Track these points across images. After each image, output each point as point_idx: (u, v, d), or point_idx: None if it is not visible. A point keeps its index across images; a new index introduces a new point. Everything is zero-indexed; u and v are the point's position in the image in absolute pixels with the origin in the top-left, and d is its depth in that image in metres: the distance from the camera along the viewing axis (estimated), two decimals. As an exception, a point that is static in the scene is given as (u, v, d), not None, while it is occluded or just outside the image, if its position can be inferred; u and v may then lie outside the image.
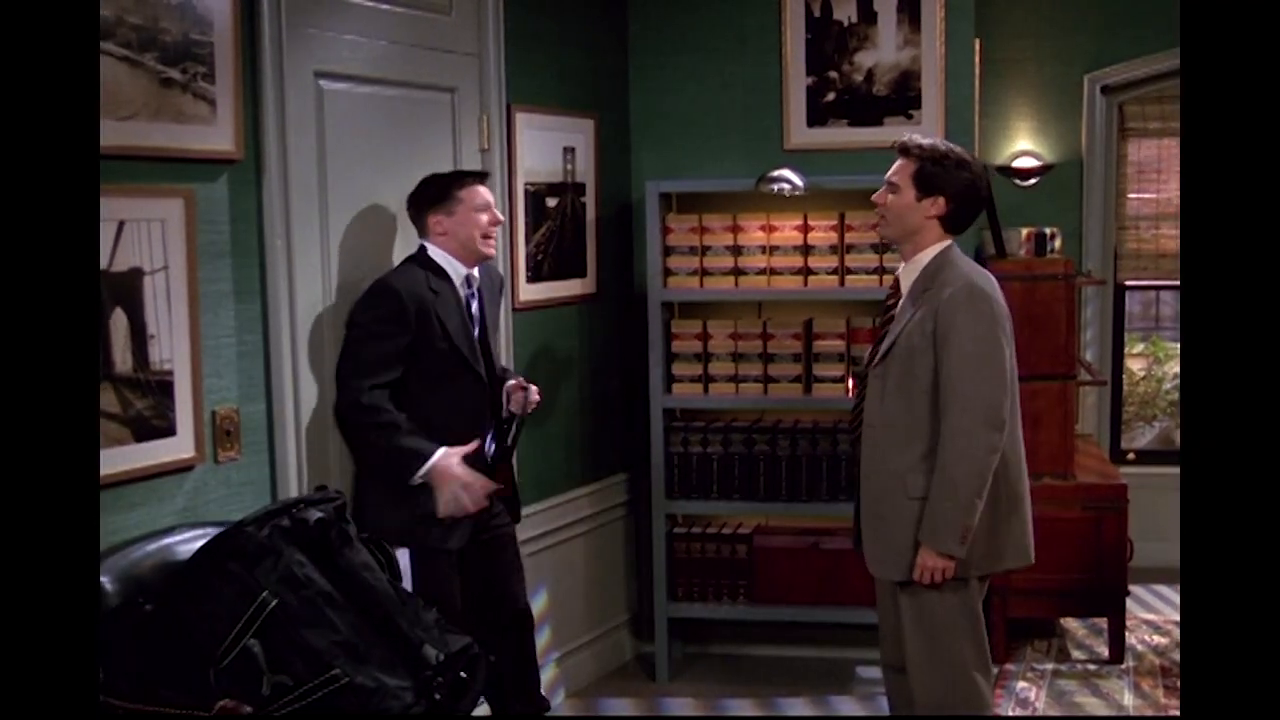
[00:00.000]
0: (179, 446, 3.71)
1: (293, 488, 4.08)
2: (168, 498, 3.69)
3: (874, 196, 4.11)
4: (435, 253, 4.33)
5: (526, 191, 5.25)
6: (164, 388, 3.66)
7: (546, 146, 5.40)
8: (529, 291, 5.30)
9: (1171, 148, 7.23)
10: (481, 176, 4.45)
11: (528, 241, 5.28)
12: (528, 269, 5.29)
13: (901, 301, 4.07)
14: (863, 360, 4.38)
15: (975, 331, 3.90)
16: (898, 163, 4.07)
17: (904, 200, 4.02)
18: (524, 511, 5.18)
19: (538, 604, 5.41)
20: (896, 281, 4.15)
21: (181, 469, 3.73)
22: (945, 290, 3.93)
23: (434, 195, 4.35)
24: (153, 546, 3.46)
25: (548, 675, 5.46)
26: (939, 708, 4.05)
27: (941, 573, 3.93)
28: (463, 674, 3.61)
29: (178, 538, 3.51)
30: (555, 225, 5.47)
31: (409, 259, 4.37)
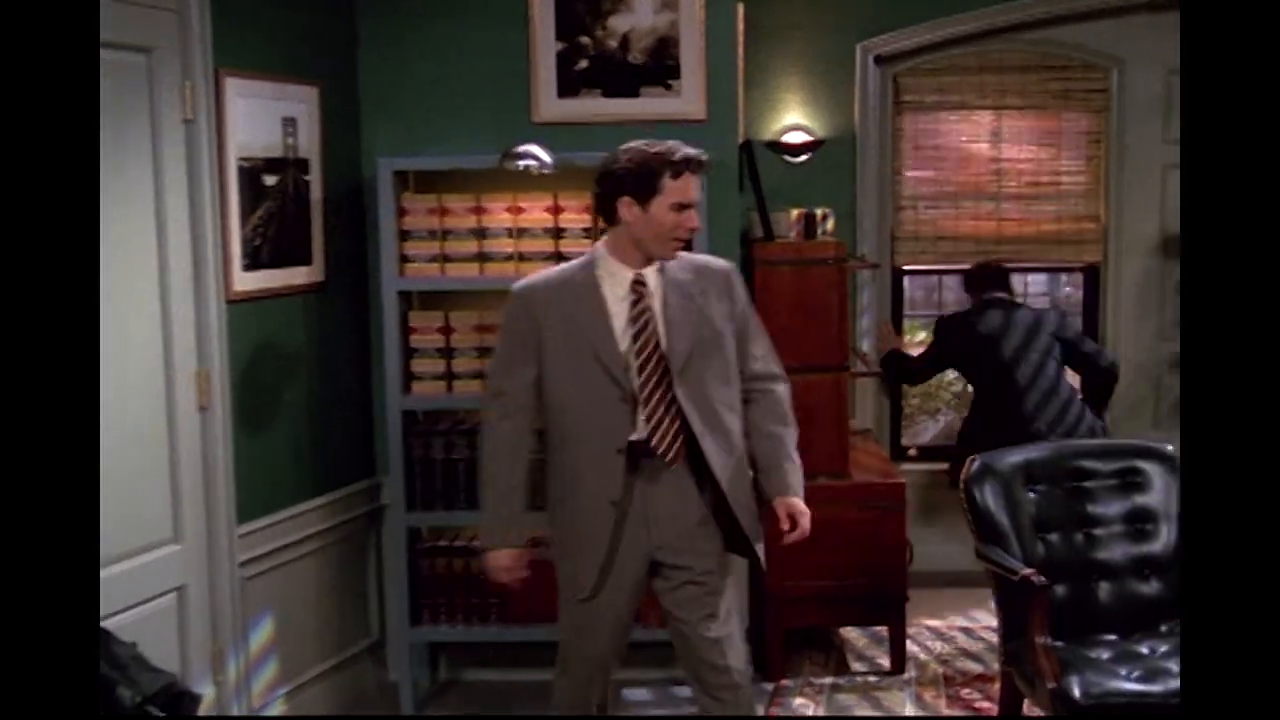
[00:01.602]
0: None
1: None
2: None
3: (694, 226, 3.82)
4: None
5: (240, 168, 4.75)
6: None
7: (263, 117, 4.89)
8: (245, 281, 4.78)
9: (949, 122, 6.93)
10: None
11: (243, 224, 4.76)
12: (243, 255, 4.78)
13: (663, 297, 3.84)
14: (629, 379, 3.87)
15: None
16: (693, 180, 3.81)
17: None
18: (243, 529, 4.64)
19: (262, 632, 4.83)
20: (637, 281, 3.83)
21: None
22: (716, 271, 3.95)
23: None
24: None
25: (274, 711, 4.88)
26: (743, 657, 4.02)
27: None
28: (160, 714, 3.39)
29: None
30: (275, 206, 4.95)
31: None
